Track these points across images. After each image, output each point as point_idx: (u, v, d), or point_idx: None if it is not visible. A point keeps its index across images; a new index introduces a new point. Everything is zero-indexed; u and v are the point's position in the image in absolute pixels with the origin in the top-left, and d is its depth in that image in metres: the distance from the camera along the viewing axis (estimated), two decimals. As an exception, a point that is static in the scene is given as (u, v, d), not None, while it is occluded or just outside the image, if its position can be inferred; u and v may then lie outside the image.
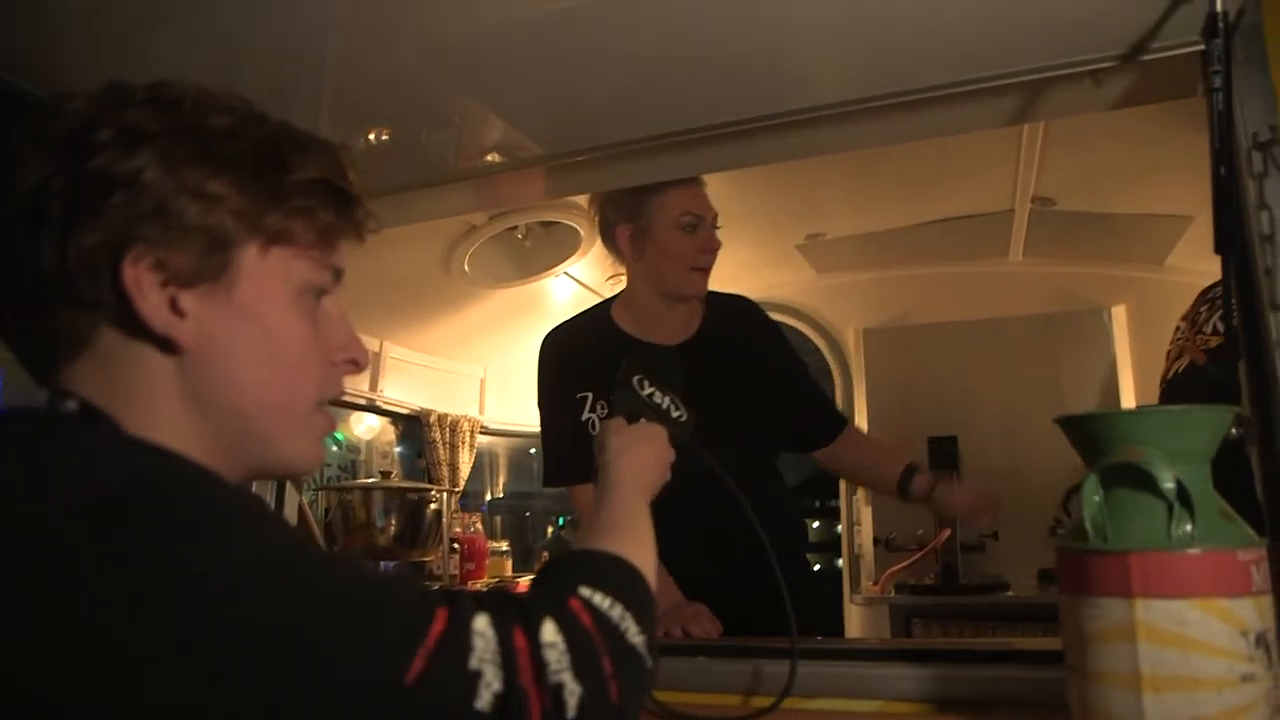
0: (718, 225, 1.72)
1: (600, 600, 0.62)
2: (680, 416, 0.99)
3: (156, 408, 0.64)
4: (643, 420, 0.98)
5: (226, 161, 0.64)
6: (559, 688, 0.56)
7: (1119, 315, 3.25)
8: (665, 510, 1.15)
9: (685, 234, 1.67)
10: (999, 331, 3.32)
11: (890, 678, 1.08)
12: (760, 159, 1.66)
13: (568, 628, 0.59)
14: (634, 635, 0.62)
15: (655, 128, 1.41)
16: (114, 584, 0.49)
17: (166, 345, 0.63)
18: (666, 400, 0.99)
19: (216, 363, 0.65)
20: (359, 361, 0.74)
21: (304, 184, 0.67)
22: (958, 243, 3.13)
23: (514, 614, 0.58)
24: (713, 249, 1.68)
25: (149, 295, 0.62)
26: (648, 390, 0.98)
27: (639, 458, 0.92)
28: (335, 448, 3.76)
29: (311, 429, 0.72)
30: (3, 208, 0.62)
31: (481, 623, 0.56)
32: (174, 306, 0.63)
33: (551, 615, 0.59)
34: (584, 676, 0.57)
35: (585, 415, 1.67)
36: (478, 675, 0.54)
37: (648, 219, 1.71)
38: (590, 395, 1.68)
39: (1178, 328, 1.92)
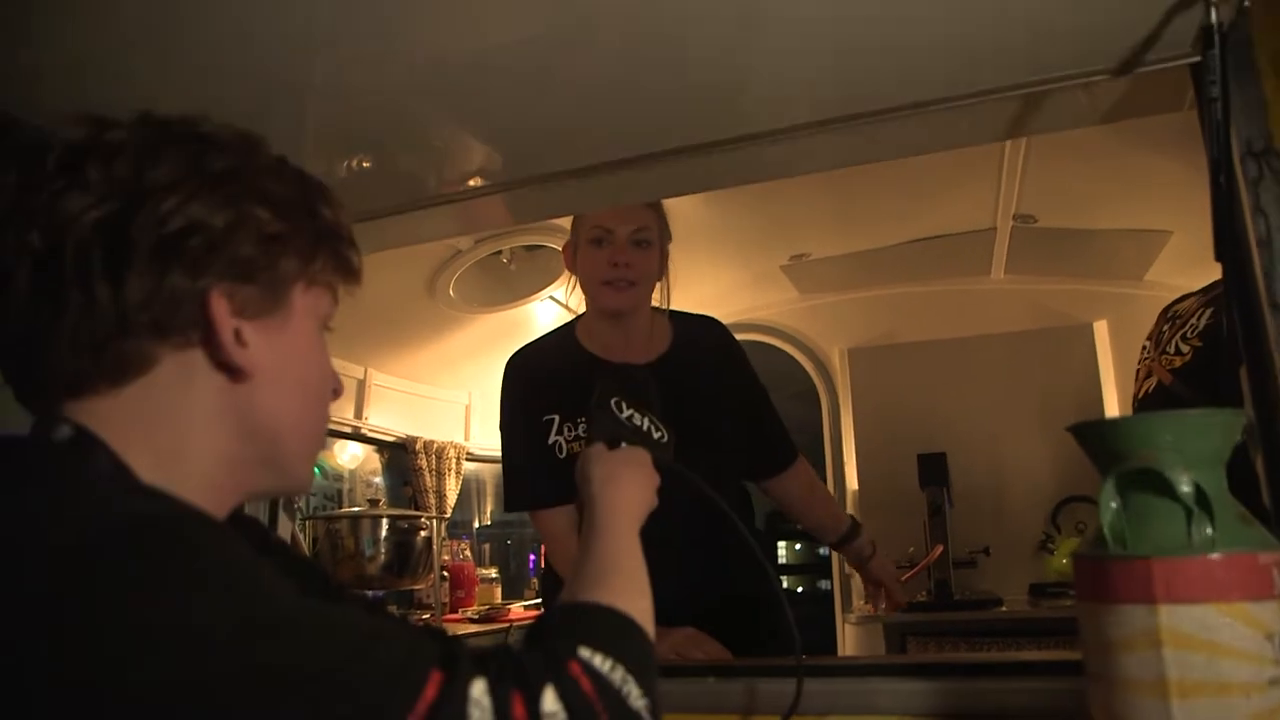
0: (643, 240, 1.66)
1: (601, 663, 0.61)
2: (661, 437, 0.96)
3: (196, 433, 0.65)
4: (624, 445, 0.95)
5: (279, 202, 0.67)
6: None
7: (1100, 330, 3.28)
8: (646, 534, 1.14)
9: (593, 248, 1.65)
10: (983, 348, 3.34)
11: (901, 693, 1.07)
12: (740, 178, 1.66)
13: (568, 696, 0.57)
14: (636, 699, 0.61)
15: (628, 150, 1.40)
16: (77, 636, 0.48)
17: (227, 374, 0.66)
18: (646, 421, 0.96)
19: (266, 392, 0.68)
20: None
21: (330, 226, 0.72)
22: (941, 261, 3.16)
23: (513, 679, 0.56)
24: (619, 263, 1.63)
25: (226, 327, 0.64)
26: (626, 412, 0.95)
27: (626, 486, 0.90)
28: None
29: (319, 451, 0.74)
30: (67, 236, 0.61)
31: (478, 689, 0.54)
32: (238, 337, 0.65)
33: (551, 681, 0.57)
34: None
35: (552, 438, 1.64)
36: None
37: (576, 236, 1.72)
38: (557, 418, 1.65)
39: (1144, 347, 1.94)
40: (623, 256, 1.63)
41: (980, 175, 2.49)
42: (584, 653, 0.61)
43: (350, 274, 0.75)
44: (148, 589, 0.49)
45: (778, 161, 1.48)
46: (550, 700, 0.56)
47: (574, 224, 1.73)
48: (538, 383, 1.71)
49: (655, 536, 1.41)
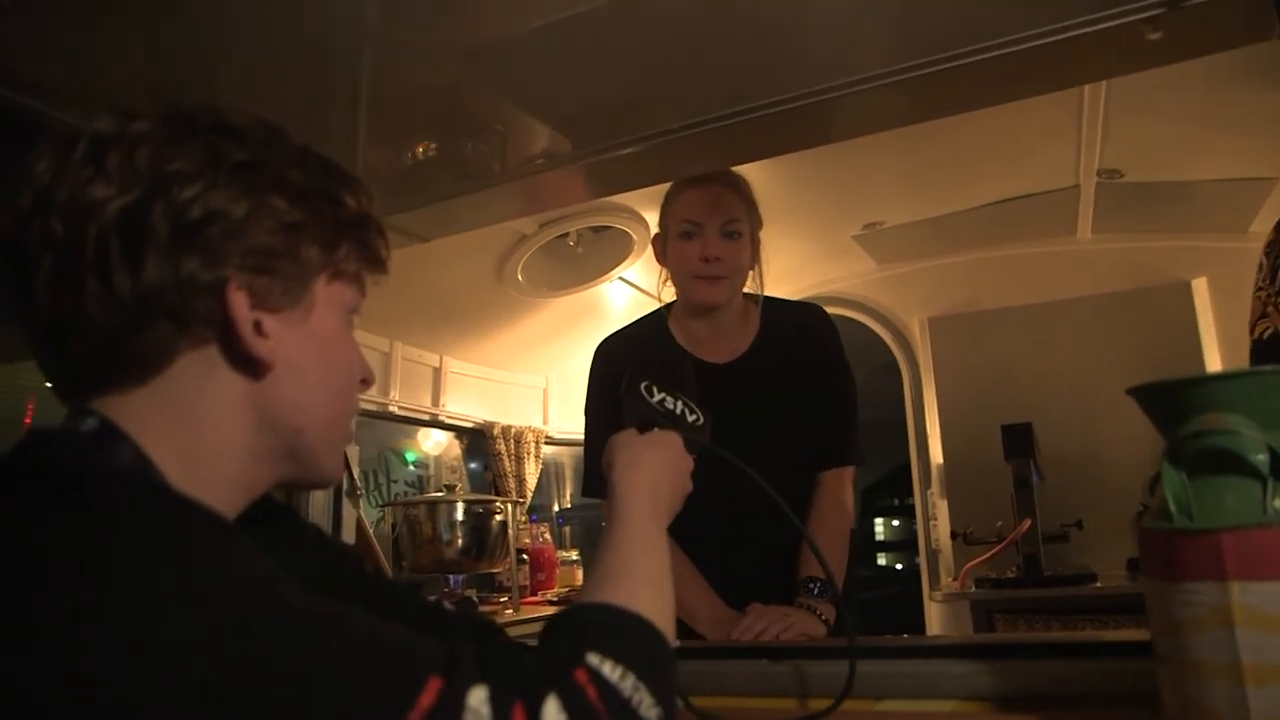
0: (733, 232, 1.61)
1: (610, 671, 0.57)
2: (696, 420, 0.92)
3: (213, 427, 0.65)
4: (656, 430, 0.91)
5: (299, 192, 0.67)
6: None
7: (1199, 288, 3.10)
8: (699, 520, 1.10)
9: (683, 241, 1.61)
10: (1070, 312, 3.20)
11: (965, 675, 1.01)
12: (809, 140, 1.61)
13: (572, 706, 0.54)
14: (648, 709, 0.57)
15: (692, 116, 1.37)
16: (57, 637, 0.47)
17: (248, 367, 0.65)
18: (679, 404, 0.92)
19: (288, 383, 0.67)
20: (369, 381, 0.77)
21: (355, 216, 0.70)
22: (1022, 223, 3.02)
23: (515, 687, 0.53)
24: (710, 257, 1.59)
25: (245, 318, 0.64)
26: (657, 397, 0.91)
27: (649, 470, 0.84)
28: (404, 465, 3.80)
29: (346, 444, 0.75)
30: (89, 226, 0.61)
31: (477, 698, 0.52)
32: (258, 329, 0.65)
33: (555, 690, 0.54)
34: None
35: None
36: None
37: (665, 228, 1.67)
38: None
39: (1258, 286, 1.74)
40: (713, 250, 1.59)
41: (1058, 131, 2.36)
42: (592, 659, 0.58)
43: (377, 263, 0.73)
44: (131, 590, 0.49)
45: (846, 121, 1.44)
46: (552, 710, 0.53)
47: (662, 216, 1.69)
48: (654, 357, 1.68)
49: (726, 517, 1.40)
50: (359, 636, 0.53)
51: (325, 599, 0.55)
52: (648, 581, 0.70)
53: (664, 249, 1.68)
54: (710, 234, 1.60)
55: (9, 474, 0.57)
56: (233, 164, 0.64)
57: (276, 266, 0.65)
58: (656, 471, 0.85)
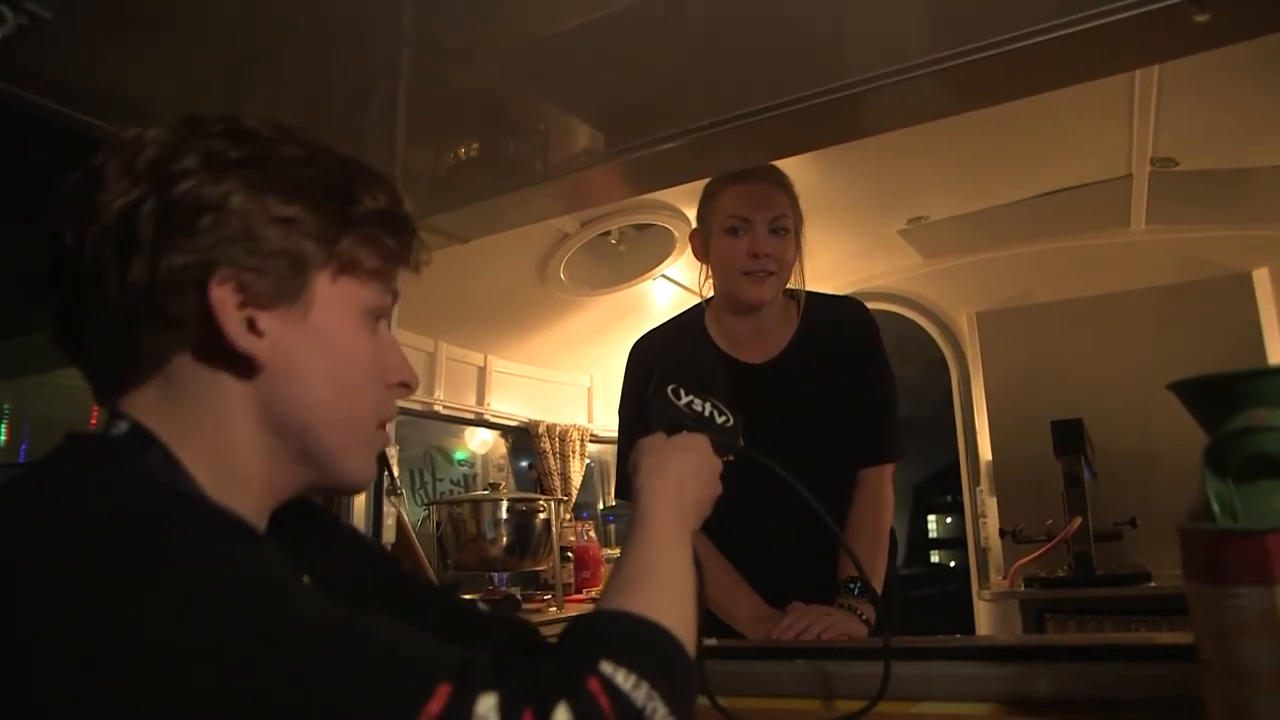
0: (780, 228, 1.59)
1: (624, 680, 0.56)
2: (726, 421, 0.90)
3: (222, 427, 0.65)
4: (684, 433, 0.90)
5: (303, 188, 0.66)
6: None
7: (1260, 279, 2.99)
8: (737, 520, 1.08)
9: (730, 237, 1.58)
10: (1123, 306, 3.11)
11: (1003, 677, 0.99)
12: (851, 133, 1.57)
13: (583, 716, 0.53)
14: (662, 719, 0.56)
15: (730, 110, 1.36)
16: (63, 638, 0.48)
17: (243, 366, 0.65)
18: (708, 406, 0.90)
19: (288, 382, 0.66)
20: (410, 385, 0.75)
21: (370, 213, 0.69)
22: (1072, 215, 2.95)
23: (526, 695, 0.53)
24: (760, 253, 1.56)
25: (231, 315, 0.63)
26: (685, 400, 0.90)
27: (674, 476, 0.82)
28: (449, 464, 3.84)
29: (371, 447, 0.73)
30: (90, 229, 0.62)
31: (486, 705, 0.51)
32: (252, 327, 0.64)
33: (567, 699, 0.53)
34: None
35: None
36: None
37: (707, 223, 1.64)
38: None
39: None
40: (763, 246, 1.56)
41: (1109, 119, 2.30)
42: (605, 668, 0.56)
43: (394, 260, 0.72)
44: (134, 597, 0.49)
45: (887, 112, 1.41)
46: (563, 719, 0.52)
47: (703, 212, 1.66)
48: (684, 359, 1.66)
49: (763, 517, 1.38)
50: (370, 643, 0.53)
51: (345, 605, 0.55)
52: (668, 589, 0.68)
53: (705, 245, 1.65)
54: (759, 230, 1.57)
55: (39, 476, 0.59)
56: (228, 160, 0.64)
57: (268, 262, 0.64)
58: (682, 476, 0.82)
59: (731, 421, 0.91)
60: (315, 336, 0.67)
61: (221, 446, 0.65)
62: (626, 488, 1.53)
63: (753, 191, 1.59)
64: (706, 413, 0.90)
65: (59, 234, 0.64)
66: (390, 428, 1.67)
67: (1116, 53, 1.21)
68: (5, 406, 3.24)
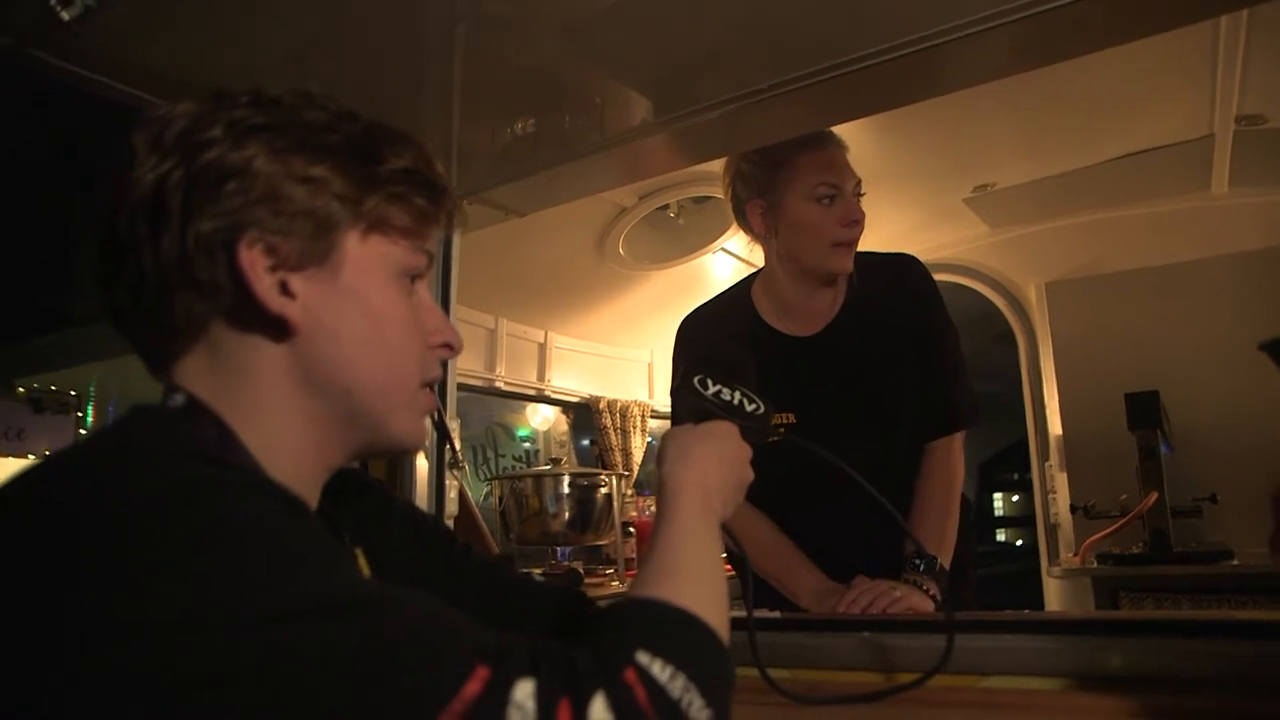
0: (861, 193, 1.54)
1: (660, 671, 0.56)
2: (756, 409, 0.89)
3: (266, 392, 0.66)
4: (711, 421, 0.88)
5: (326, 150, 0.66)
6: None
7: (1355, 244, 2.85)
8: (796, 496, 1.05)
9: (822, 206, 1.51)
10: (1203, 274, 2.99)
11: (1077, 651, 0.96)
12: (916, 93, 1.50)
13: (619, 706, 0.52)
14: (698, 711, 0.56)
15: (788, 73, 1.32)
16: (108, 607, 0.48)
17: (278, 329, 0.65)
18: (737, 395, 0.89)
19: (325, 343, 0.66)
20: (453, 345, 0.75)
21: (396, 173, 0.69)
22: (1148, 179, 2.83)
23: (563, 683, 0.52)
24: (855, 220, 1.51)
25: (262, 277, 0.63)
26: (712, 389, 0.89)
27: (699, 464, 0.81)
28: (511, 440, 3.88)
29: (416, 407, 0.72)
30: (124, 205, 0.64)
31: (523, 691, 0.51)
32: (284, 289, 0.65)
33: (603, 689, 0.53)
34: None
35: None
36: None
37: (779, 193, 1.56)
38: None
39: None
40: (856, 213, 1.51)
41: (1188, 76, 2.19)
42: (642, 658, 0.56)
43: (424, 219, 0.71)
44: (165, 568, 0.49)
45: (953, 71, 1.34)
46: (599, 709, 0.52)
47: (767, 182, 1.58)
48: (713, 349, 1.63)
49: (822, 492, 1.35)
50: (411, 622, 0.53)
51: (396, 580, 0.55)
52: (698, 578, 0.68)
53: (772, 218, 1.58)
54: (850, 196, 1.52)
55: (98, 447, 0.59)
56: (251, 126, 0.64)
57: (295, 223, 0.64)
58: (707, 464, 0.81)
59: (762, 409, 0.90)
60: (347, 296, 0.67)
61: (268, 414, 0.65)
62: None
63: (835, 157, 1.54)
64: (736, 401, 0.89)
65: (99, 213, 0.65)
66: (452, 401, 1.69)
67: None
68: (91, 388, 3.38)
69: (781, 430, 0.94)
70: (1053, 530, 3.25)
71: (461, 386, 2.94)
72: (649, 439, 3.97)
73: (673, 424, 0.91)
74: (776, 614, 1.35)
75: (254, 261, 0.63)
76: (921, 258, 1.66)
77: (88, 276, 0.69)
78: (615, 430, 3.82)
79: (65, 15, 1.09)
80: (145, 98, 1.30)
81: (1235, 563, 2.44)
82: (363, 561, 0.74)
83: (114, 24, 1.15)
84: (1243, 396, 2.76)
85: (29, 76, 1.27)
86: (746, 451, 0.87)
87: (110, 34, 1.18)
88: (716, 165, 2.24)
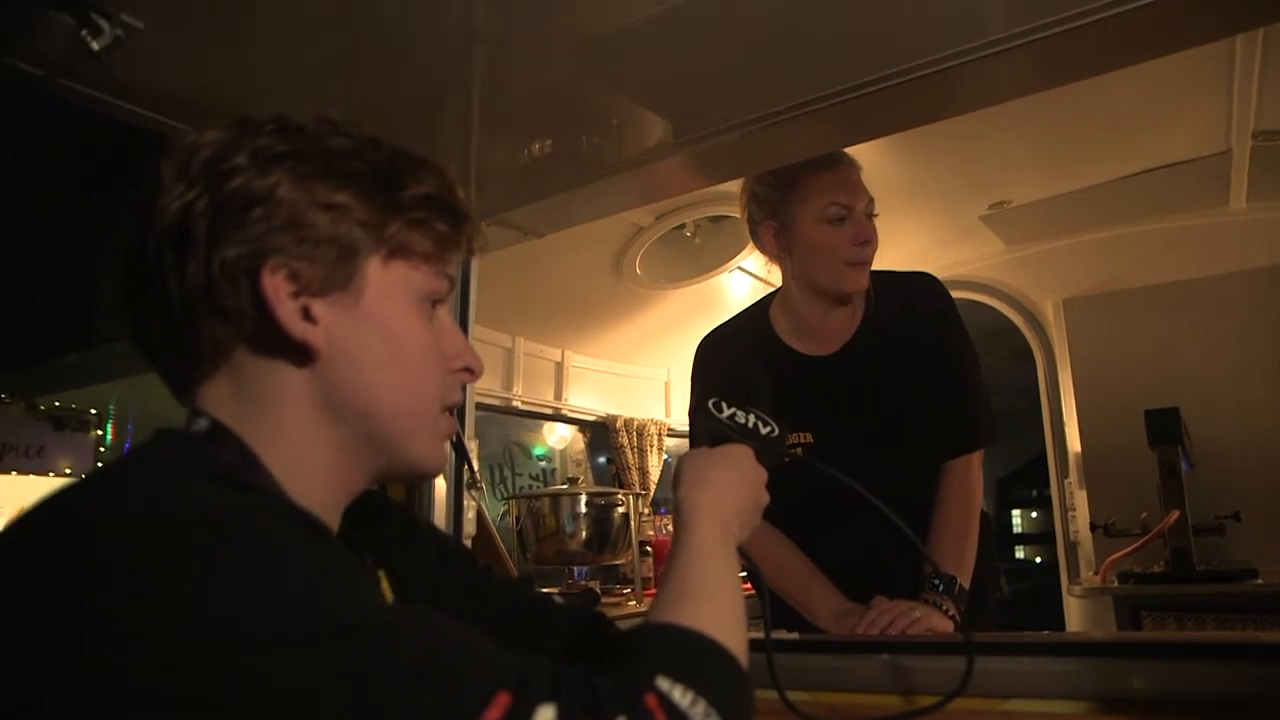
0: (873, 213, 1.55)
1: (680, 696, 0.56)
2: (770, 431, 0.90)
3: (288, 417, 0.66)
4: (726, 444, 0.89)
5: (349, 177, 0.67)
6: None
7: (1375, 259, 2.83)
8: (813, 518, 1.04)
9: (833, 227, 1.52)
10: (1221, 289, 2.97)
11: (1100, 674, 0.95)
12: (930, 114, 1.50)
13: None
14: None
15: (803, 95, 1.33)
16: (127, 624, 0.48)
17: (300, 354, 0.66)
18: (751, 418, 0.90)
19: (346, 368, 0.67)
20: (474, 369, 0.76)
21: (418, 199, 0.70)
22: (1165, 195, 2.82)
23: (585, 707, 0.53)
24: (866, 240, 1.52)
25: (285, 303, 0.64)
26: (728, 412, 0.90)
27: (714, 487, 0.82)
28: (528, 459, 3.89)
29: (437, 432, 0.73)
30: (150, 231, 0.65)
31: (544, 717, 0.51)
32: (307, 314, 0.65)
33: (625, 713, 0.53)
34: None
35: None
36: None
37: (790, 214, 1.57)
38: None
39: None
40: (867, 233, 1.52)
41: (1205, 91, 2.19)
42: (662, 684, 0.56)
43: (445, 244, 0.72)
44: (195, 582, 0.50)
45: (969, 92, 1.35)
46: None
47: (779, 203, 1.59)
48: (728, 372, 1.61)
49: (839, 513, 1.35)
50: (432, 647, 0.53)
51: (417, 602, 0.55)
52: (717, 602, 0.68)
53: (784, 238, 1.59)
54: (861, 216, 1.53)
55: (122, 471, 0.61)
56: (276, 154, 0.65)
57: (318, 249, 0.65)
58: (723, 488, 0.82)
59: (776, 431, 0.90)
60: (369, 321, 0.68)
61: (290, 438, 0.66)
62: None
63: (848, 177, 1.55)
64: (750, 424, 0.90)
65: (125, 240, 0.66)
66: (470, 421, 1.70)
67: (1224, 11, 1.14)
68: (111, 407, 3.42)
69: (796, 451, 0.94)
70: (1072, 548, 3.22)
71: (479, 406, 2.95)
72: (666, 458, 3.97)
73: (690, 445, 0.91)
74: (795, 635, 1.35)
75: (277, 287, 0.64)
76: (938, 275, 1.67)
77: (110, 299, 0.70)
78: (632, 449, 3.82)
79: (95, 45, 1.12)
80: (172, 124, 1.32)
81: (1260, 581, 2.41)
82: (386, 584, 0.75)
83: (142, 52, 1.17)
84: (1265, 412, 2.75)
85: (57, 103, 1.30)
86: (762, 475, 0.88)
87: (139, 62, 1.21)
88: (733, 185, 2.25)
